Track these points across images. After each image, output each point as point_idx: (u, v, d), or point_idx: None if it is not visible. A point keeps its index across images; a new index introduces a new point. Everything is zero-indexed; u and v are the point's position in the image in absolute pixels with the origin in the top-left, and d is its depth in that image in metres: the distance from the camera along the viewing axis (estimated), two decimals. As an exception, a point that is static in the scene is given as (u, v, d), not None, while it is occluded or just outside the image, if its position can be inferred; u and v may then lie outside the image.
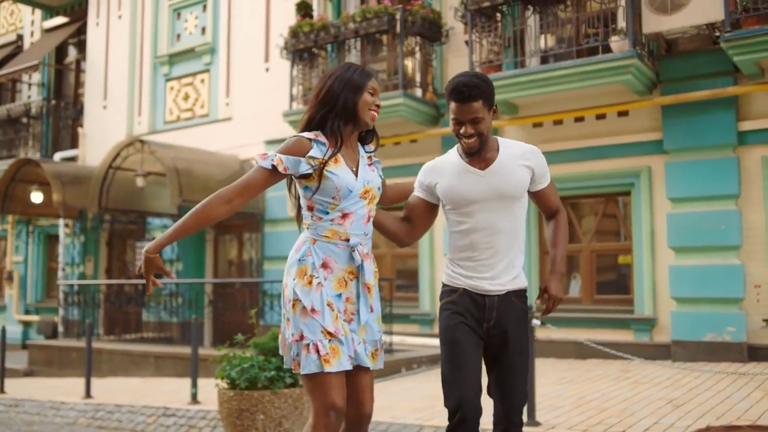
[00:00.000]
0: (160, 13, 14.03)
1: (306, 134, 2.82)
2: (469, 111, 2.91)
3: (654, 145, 8.86)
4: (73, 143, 15.44)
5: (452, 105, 2.95)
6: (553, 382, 7.26)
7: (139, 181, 11.61)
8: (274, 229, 11.86)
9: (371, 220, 2.92)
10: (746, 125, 8.35)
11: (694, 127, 8.53)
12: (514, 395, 2.92)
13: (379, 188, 2.93)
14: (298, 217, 2.95)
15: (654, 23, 8.29)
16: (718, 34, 7.99)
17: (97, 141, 14.32)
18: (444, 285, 3.08)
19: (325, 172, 2.75)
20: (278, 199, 11.73)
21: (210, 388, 7.07)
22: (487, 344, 2.95)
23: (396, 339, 9.58)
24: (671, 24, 8.22)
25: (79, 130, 14.98)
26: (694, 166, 8.52)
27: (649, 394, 6.39)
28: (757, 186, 8.27)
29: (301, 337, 2.68)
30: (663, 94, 8.78)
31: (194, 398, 7.36)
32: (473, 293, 2.96)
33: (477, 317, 2.93)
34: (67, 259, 14.36)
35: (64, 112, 15.81)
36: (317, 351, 2.65)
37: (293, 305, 2.73)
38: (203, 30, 13.35)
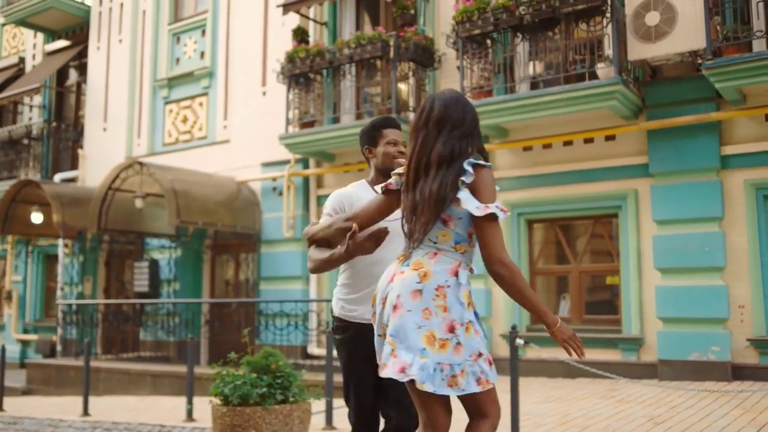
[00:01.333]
0: (159, 37, 14.32)
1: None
2: (400, 135, 3.39)
3: (640, 168, 9.09)
4: (73, 164, 15.67)
5: (388, 131, 3.39)
6: (540, 401, 7.43)
7: (138, 203, 11.82)
8: (271, 250, 12.06)
9: None
10: (729, 149, 8.58)
11: (679, 151, 8.77)
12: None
13: None
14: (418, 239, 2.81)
15: (639, 51, 8.54)
16: (700, 61, 8.23)
17: (97, 162, 14.55)
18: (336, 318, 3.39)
19: None
20: (275, 220, 11.94)
21: (205, 406, 7.24)
22: None
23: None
24: (655, 51, 8.47)
25: (79, 151, 15.22)
26: (679, 189, 8.74)
27: (633, 412, 6.57)
28: (740, 209, 8.49)
29: (479, 354, 2.70)
30: (648, 119, 9.03)
31: (190, 416, 7.52)
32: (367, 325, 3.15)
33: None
34: (66, 279, 14.54)
35: (64, 133, 16.07)
36: (491, 363, 2.75)
37: (466, 328, 2.70)
38: (202, 54, 13.63)
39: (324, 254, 3.12)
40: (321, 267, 3.16)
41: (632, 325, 9.00)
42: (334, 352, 9.17)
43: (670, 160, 8.83)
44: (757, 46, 8.07)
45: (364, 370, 3.30)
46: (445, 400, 2.78)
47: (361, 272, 3.31)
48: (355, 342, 3.32)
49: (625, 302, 9.12)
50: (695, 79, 8.63)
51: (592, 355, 9.05)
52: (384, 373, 2.69)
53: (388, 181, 2.93)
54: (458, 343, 2.66)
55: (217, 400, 5.00)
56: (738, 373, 8.26)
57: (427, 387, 2.63)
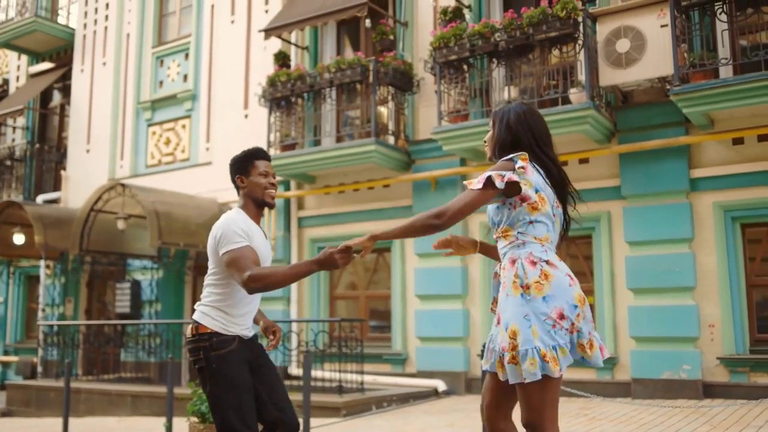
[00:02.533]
0: (143, 60, 14.48)
1: None
2: (271, 167, 3.68)
3: (613, 191, 9.31)
4: (56, 186, 15.73)
5: (260, 162, 3.66)
6: (514, 420, 7.54)
7: (120, 224, 11.92)
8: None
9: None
10: (697, 173, 8.83)
11: (650, 174, 9.00)
12: None
13: None
14: None
15: (610, 77, 8.79)
16: (669, 87, 8.48)
17: (80, 184, 14.63)
18: (218, 333, 3.54)
19: None
20: (256, 241, 12.05)
21: (185, 426, 7.33)
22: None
23: (368, 378, 9.85)
24: (626, 78, 8.72)
25: (62, 173, 15.30)
26: (650, 211, 8.96)
27: (603, 429, 6.71)
28: (709, 230, 8.72)
29: None
30: (620, 143, 9.27)
31: (169, 435, 7.58)
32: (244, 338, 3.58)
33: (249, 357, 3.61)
34: (48, 300, 14.56)
35: (47, 155, 16.14)
36: None
37: None
38: (185, 77, 13.79)
39: (280, 268, 3.31)
40: (288, 279, 3.30)
41: (606, 344, 9.17)
42: (314, 372, 9.31)
43: (641, 182, 9.06)
44: (724, 72, 8.34)
45: (249, 380, 3.53)
46: None
47: (243, 294, 3.56)
48: (239, 354, 3.53)
49: (599, 321, 9.30)
50: (665, 104, 8.88)
51: (568, 374, 9.16)
52: (604, 356, 3.11)
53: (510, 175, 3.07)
54: None
55: (194, 419, 5.10)
56: (709, 391, 8.45)
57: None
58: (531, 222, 3.10)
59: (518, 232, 3.11)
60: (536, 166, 3.15)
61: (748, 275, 8.65)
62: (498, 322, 3.06)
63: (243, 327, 3.61)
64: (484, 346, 3.34)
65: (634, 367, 8.86)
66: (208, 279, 3.65)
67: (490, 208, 3.22)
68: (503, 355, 2.97)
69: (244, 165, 3.69)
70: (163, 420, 8.63)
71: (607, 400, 8.46)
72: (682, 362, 8.58)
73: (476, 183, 3.06)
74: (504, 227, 3.15)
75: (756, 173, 8.53)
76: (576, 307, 3.01)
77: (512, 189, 3.07)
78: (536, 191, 3.09)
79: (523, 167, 3.08)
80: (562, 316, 2.96)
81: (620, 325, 9.11)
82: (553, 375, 2.89)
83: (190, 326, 3.58)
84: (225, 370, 3.44)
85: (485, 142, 3.39)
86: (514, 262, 3.06)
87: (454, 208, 3.03)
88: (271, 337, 3.81)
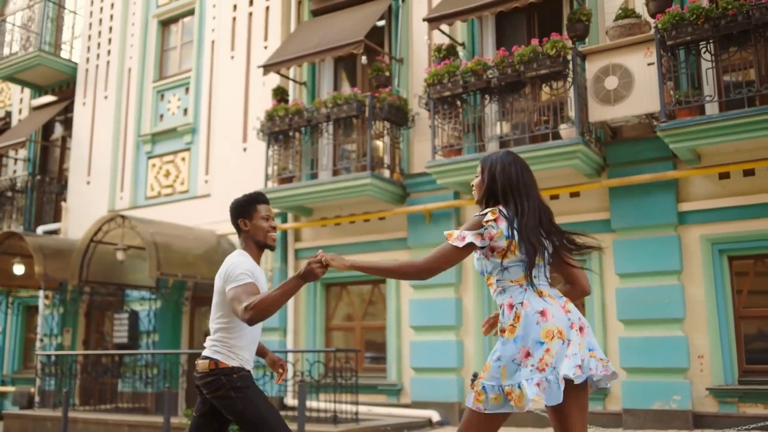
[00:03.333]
0: (144, 94, 14.76)
1: None
2: (272, 211, 3.90)
3: (603, 224, 9.50)
4: (56, 217, 15.91)
5: (262, 206, 3.89)
6: (507, 448, 7.65)
7: (120, 255, 12.08)
8: (249, 302, 12.28)
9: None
10: (685, 206, 9.04)
11: (639, 207, 9.21)
12: None
13: None
14: None
15: (599, 113, 9.04)
16: (656, 123, 8.72)
17: (80, 215, 14.81)
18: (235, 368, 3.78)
19: None
20: (253, 272, 12.21)
21: (180, 454, 7.45)
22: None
23: (363, 408, 9.95)
24: (614, 114, 8.96)
25: (63, 204, 15.49)
26: (640, 244, 9.16)
27: (593, 458, 6.83)
28: (697, 262, 8.90)
29: None
30: (610, 177, 9.49)
31: (165, 464, 7.69)
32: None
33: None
34: (46, 330, 14.64)
35: (48, 186, 16.35)
36: None
37: None
38: (185, 111, 14.05)
39: (270, 291, 3.49)
40: (279, 298, 3.45)
41: (598, 375, 9.28)
42: (309, 402, 9.42)
43: (630, 216, 9.27)
44: (709, 109, 8.58)
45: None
46: None
47: (247, 330, 3.84)
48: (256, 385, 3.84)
49: (590, 353, 9.42)
50: (653, 139, 9.10)
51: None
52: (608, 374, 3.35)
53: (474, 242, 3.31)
54: None
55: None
56: (699, 421, 8.56)
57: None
58: (505, 268, 3.32)
59: (497, 280, 3.36)
60: (509, 214, 3.35)
61: (735, 307, 8.81)
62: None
63: (248, 361, 3.86)
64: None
65: (625, 398, 8.98)
66: (215, 323, 3.88)
67: (474, 259, 3.45)
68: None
69: (246, 209, 3.90)
70: (159, 449, 8.74)
71: (599, 430, 8.59)
72: (673, 393, 8.71)
73: (456, 240, 3.28)
74: (487, 276, 3.41)
75: (742, 207, 8.74)
76: (542, 343, 3.18)
77: (478, 243, 3.34)
78: (507, 238, 3.29)
79: (494, 220, 3.31)
80: (528, 355, 3.16)
81: (611, 355, 9.24)
82: (514, 410, 3.17)
83: (207, 362, 3.78)
84: (251, 390, 3.72)
85: (473, 186, 3.59)
86: (500, 307, 3.34)
87: (435, 265, 3.28)
88: (280, 371, 4.12)
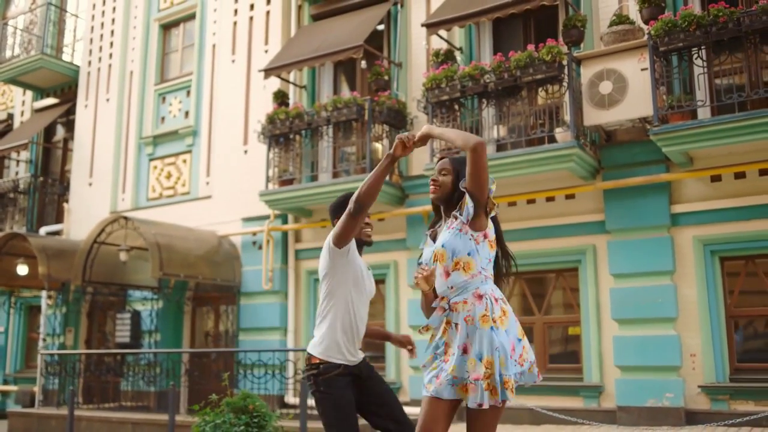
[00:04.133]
0: (146, 97, 14.94)
1: None
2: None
3: (598, 225, 9.71)
4: (58, 218, 16.08)
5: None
6: (504, 444, 7.86)
7: (123, 256, 12.26)
8: (250, 302, 12.50)
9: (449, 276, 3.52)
10: (678, 208, 9.25)
11: (633, 209, 9.41)
12: None
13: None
14: None
15: (594, 117, 9.25)
16: (649, 127, 8.93)
17: (82, 216, 14.99)
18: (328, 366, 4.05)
19: None
20: (254, 272, 12.42)
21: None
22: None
23: (362, 406, 10.12)
24: (609, 118, 9.18)
25: (65, 205, 15.66)
26: (634, 244, 9.36)
27: (587, 453, 7.04)
28: (690, 263, 9.11)
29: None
30: (604, 180, 9.69)
31: (170, 460, 7.88)
32: None
33: None
34: (48, 330, 14.83)
35: (50, 188, 16.52)
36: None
37: None
38: (186, 114, 14.24)
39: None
40: (373, 180, 3.75)
41: (593, 373, 9.51)
42: (311, 401, 9.59)
43: (625, 217, 9.47)
44: (702, 114, 8.80)
45: (352, 401, 4.04)
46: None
47: (347, 321, 4.10)
48: (344, 377, 4.04)
49: (585, 351, 9.65)
50: (646, 143, 9.31)
51: (556, 402, 9.54)
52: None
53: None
54: None
55: (199, 439, 5.44)
56: (691, 418, 8.77)
57: None
58: (490, 260, 3.48)
59: (482, 267, 3.44)
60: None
61: (727, 306, 9.02)
62: (465, 352, 3.36)
63: (348, 353, 4.06)
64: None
65: (619, 395, 9.18)
66: (317, 317, 4.14)
67: (452, 237, 3.48)
68: (476, 382, 3.29)
69: (342, 208, 4.10)
70: (163, 446, 8.94)
71: (593, 426, 8.80)
72: (665, 390, 8.91)
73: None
74: (465, 259, 3.43)
75: (733, 209, 8.95)
76: (520, 340, 3.41)
77: (482, 223, 3.45)
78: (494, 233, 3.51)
79: (494, 206, 3.49)
80: (513, 349, 3.35)
81: (606, 354, 9.45)
82: (509, 400, 3.30)
83: (308, 355, 4.09)
84: (330, 392, 3.94)
85: (436, 181, 3.70)
86: (481, 297, 3.38)
87: (483, 164, 3.50)
88: (409, 347, 4.41)
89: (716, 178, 9.11)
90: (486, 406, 3.27)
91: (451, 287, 3.47)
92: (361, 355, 4.15)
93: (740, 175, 8.97)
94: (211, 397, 5.72)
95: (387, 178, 10.97)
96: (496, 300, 3.41)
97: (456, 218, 3.53)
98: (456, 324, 3.41)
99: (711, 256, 9.08)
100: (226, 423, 5.29)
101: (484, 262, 3.46)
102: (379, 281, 11.45)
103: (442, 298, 3.53)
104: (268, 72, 11.94)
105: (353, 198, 3.72)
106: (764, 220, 8.76)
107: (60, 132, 17.32)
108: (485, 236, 3.46)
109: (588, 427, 8.85)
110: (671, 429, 8.46)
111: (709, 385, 8.76)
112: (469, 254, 3.44)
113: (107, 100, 15.43)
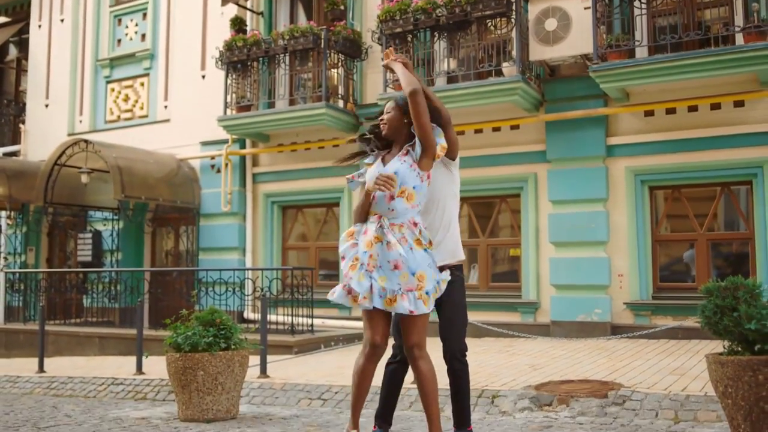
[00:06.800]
0: (101, 18, 14.92)
1: None
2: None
3: (539, 155, 10.38)
4: (14, 139, 16.15)
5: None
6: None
7: (84, 178, 12.57)
8: (209, 223, 12.99)
9: (393, 199, 3.96)
10: (613, 140, 9.94)
11: (572, 140, 10.08)
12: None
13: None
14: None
15: (539, 52, 9.77)
16: (589, 64, 9.50)
17: (39, 138, 15.13)
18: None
19: None
20: (213, 195, 12.88)
21: (150, 363, 8.26)
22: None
23: (317, 321, 10.84)
24: (553, 54, 9.72)
25: (21, 126, 15.73)
26: (571, 173, 10.07)
27: (519, 362, 7.85)
28: (621, 191, 9.87)
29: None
30: (547, 112, 10.31)
31: (139, 369, 8.48)
32: None
33: None
34: (9, 249, 15.14)
35: (5, 109, 16.50)
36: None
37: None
38: (143, 37, 14.32)
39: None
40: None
41: (530, 291, 10.34)
42: (269, 316, 10.27)
43: (564, 148, 10.14)
44: (640, 53, 9.38)
45: None
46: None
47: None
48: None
49: (524, 271, 10.44)
50: (587, 78, 9.85)
51: (497, 317, 10.37)
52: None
53: None
54: None
55: (171, 348, 6.02)
56: (616, 331, 9.68)
57: None
58: (426, 197, 4.09)
59: (419, 201, 4.02)
60: None
61: (653, 231, 9.85)
62: (395, 268, 3.88)
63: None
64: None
65: (554, 311, 10.05)
66: (436, 216, 4.25)
67: (404, 168, 3.97)
68: (407, 293, 3.88)
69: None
70: (129, 358, 9.55)
71: (528, 339, 9.66)
72: (595, 307, 9.79)
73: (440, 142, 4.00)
74: (410, 191, 3.95)
75: (664, 142, 9.67)
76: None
77: (428, 164, 4.01)
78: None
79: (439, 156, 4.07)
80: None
81: (542, 274, 10.26)
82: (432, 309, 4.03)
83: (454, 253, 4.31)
84: (462, 277, 4.32)
85: (384, 121, 4.15)
86: (416, 224, 3.98)
87: (424, 124, 3.92)
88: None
89: (649, 113, 9.78)
90: (417, 313, 3.90)
91: (392, 209, 3.96)
92: None
93: (671, 111, 9.65)
94: (182, 312, 6.29)
95: (342, 105, 11.47)
96: (415, 224, 3.99)
97: (408, 152, 4.03)
98: (388, 242, 3.91)
99: (641, 185, 9.84)
100: (196, 335, 5.87)
101: (422, 198, 4.03)
102: (334, 204, 12.04)
103: (379, 216, 4.00)
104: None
105: (444, 113, 4.09)
106: (691, 153, 9.51)
107: (13, 52, 17.19)
108: (428, 176, 4.01)
109: (524, 340, 9.70)
110: (597, 340, 9.36)
111: (634, 302, 9.65)
112: (414, 188, 3.97)
113: (62, 20, 15.34)
